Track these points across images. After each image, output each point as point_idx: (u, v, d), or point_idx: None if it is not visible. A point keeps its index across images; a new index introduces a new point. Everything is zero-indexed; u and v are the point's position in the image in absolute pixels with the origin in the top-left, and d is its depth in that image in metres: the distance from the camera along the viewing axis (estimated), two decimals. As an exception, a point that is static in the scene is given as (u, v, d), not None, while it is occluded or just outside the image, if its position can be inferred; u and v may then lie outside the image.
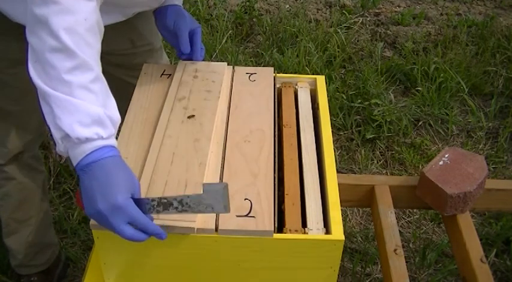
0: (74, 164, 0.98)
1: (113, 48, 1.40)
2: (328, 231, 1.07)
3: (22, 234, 1.64)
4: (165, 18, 1.36)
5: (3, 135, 1.45)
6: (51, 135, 0.99)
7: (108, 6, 1.17)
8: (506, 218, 2.05)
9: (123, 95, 1.30)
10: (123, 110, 1.19)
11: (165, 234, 0.99)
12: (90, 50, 0.99)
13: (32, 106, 1.43)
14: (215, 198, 0.97)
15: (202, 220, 1.04)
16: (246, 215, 1.05)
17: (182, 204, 0.97)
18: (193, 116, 1.26)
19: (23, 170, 1.54)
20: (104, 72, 1.55)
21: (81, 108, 0.96)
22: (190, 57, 1.38)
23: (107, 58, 1.46)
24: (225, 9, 3.29)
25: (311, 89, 1.44)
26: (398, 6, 3.47)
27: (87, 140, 0.97)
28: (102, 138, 0.98)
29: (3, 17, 1.22)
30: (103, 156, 0.97)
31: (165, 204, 0.98)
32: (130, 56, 1.50)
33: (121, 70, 1.44)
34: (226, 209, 0.97)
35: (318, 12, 3.35)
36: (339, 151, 2.40)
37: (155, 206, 0.99)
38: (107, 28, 1.13)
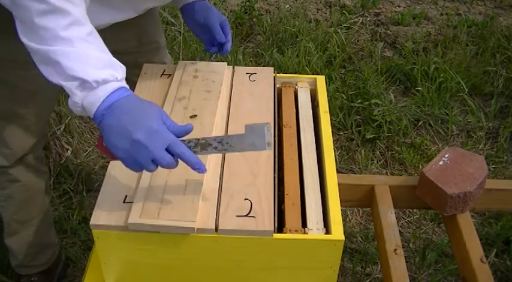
0: (94, 111, 0.97)
1: (120, 47, 1.41)
2: (328, 231, 1.07)
3: (23, 234, 1.64)
4: (194, 13, 1.39)
5: (9, 137, 1.44)
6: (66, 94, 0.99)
7: (122, 3, 1.17)
8: (506, 218, 2.05)
9: None
10: None
11: (205, 169, 0.99)
12: (78, 8, 1.00)
13: (39, 108, 1.43)
14: (258, 135, 0.98)
15: (202, 220, 1.04)
16: (246, 215, 1.05)
17: (222, 144, 0.99)
18: (195, 115, 1.26)
19: (27, 172, 1.53)
20: None
21: (90, 54, 0.97)
22: (218, 50, 1.42)
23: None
24: (225, 9, 3.29)
25: (311, 89, 1.44)
26: (398, 6, 3.47)
27: (104, 81, 0.97)
28: (116, 79, 0.99)
29: (13, 17, 1.22)
30: (123, 95, 0.98)
31: (204, 145, 0.98)
32: (136, 55, 1.50)
33: (127, 69, 1.43)
34: (270, 146, 0.98)
35: (318, 12, 3.35)
36: (339, 151, 2.40)
37: (192, 147, 0.98)
38: (115, 27, 1.14)
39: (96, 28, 1.26)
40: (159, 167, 0.98)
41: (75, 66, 0.95)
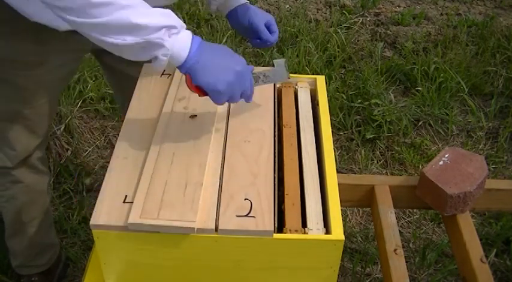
0: (185, 55, 1.05)
1: None
2: (328, 231, 1.07)
3: (25, 235, 1.64)
4: (238, 18, 1.43)
5: (14, 138, 1.44)
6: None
7: None
8: (506, 218, 2.05)
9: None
10: None
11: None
12: None
13: (44, 109, 1.43)
14: (283, 70, 1.29)
15: (202, 220, 1.04)
16: (246, 215, 1.05)
17: (265, 76, 1.25)
18: (195, 115, 1.26)
19: (29, 173, 1.53)
20: (116, 70, 1.57)
21: (156, 10, 1.03)
22: (263, 43, 1.46)
23: (119, 56, 1.48)
24: (225, 9, 3.29)
25: (311, 89, 1.44)
26: (398, 6, 3.47)
27: (182, 26, 1.06)
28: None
29: (21, 17, 1.23)
30: (199, 38, 1.09)
31: (255, 79, 1.22)
32: None
33: (133, 67, 1.44)
34: (288, 77, 1.31)
35: (318, 12, 3.35)
36: (339, 151, 2.40)
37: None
38: None
39: None
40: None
41: (153, 19, 1.01)
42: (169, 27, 1.02)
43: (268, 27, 1.44)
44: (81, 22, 1.00)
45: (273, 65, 1.30)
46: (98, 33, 1.01)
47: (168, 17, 1.04)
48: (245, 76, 1.13)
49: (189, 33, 1.07)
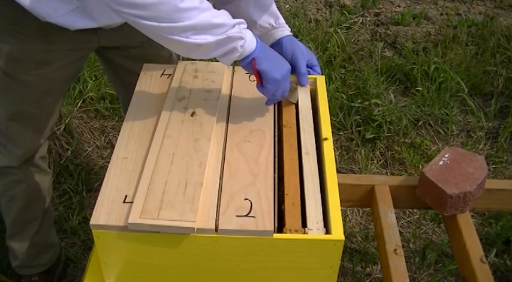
0: (254, 46, 1.18)
1: (132, 42, 1.42)
2: (328, 231, 1.06)
3: (26, 235, 1.65)
4: (283, 51, 1.41)
5: (20, 138, 1.45)
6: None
7: None
8: (506, 218, 2.05)
9: None
10: None
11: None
12: None
13: (50, 108, 1.44)
14: (294, 90, 1.37)
15: (202, 220, 1.04)
16: (246, 215, 1.05)
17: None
18: (194, 113, 1.26)
19: (32, 173, 1.54)
20: (120, 67, 1.57)
21: (221, 10, 1.15)
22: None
23: (124, 53, 1.48)
24: (225, 9, 3.29)
25: (311, 89, 1.44)
26: (398, 6, 3.47)
27: (246, 24, 1.18)
28: None
29: (31, 17, 1.23)
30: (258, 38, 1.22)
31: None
32: (145, 48, 1.50)
33: (137, 64, 1.44)
34: (296, 100, 1.38)
35: (318, 12, 3.35)
36: (339, 151, 2.40)
37: None
38: (126, 23, 1.15)
39: (112, 25, 1.28)
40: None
41: (227, 18, 1.13)
42: (239, 23, 1.15)
43: (311, 66, 1.43)
44: (165, 27, 1.07)
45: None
46: (181, 36, 1.08)
47: (230, 16, 1.15)
48: (289, 76, 1.27)
49: (250, 30, 1.19)
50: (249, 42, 1.17)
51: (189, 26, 1.07)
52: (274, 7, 1.43)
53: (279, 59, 1.25)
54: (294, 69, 1.40)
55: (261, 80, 1.22)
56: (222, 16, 1.13)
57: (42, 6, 1.21)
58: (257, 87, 1.25)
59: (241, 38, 1.14)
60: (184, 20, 1.06)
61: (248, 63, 1.20)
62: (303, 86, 1.40)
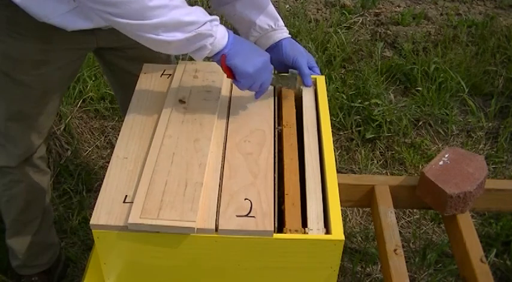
0: (225, 41, 1.18)
1: (128, 42, 1.42)
2: (328, 231, 1.06)
3: (26, 235, 1.65)
4: (282, 53, 1.43)
5: (18, 138, 1.45)
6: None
7: None
8: (506, 218, 2.05)
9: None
10: None
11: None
12: None
13: (49, 108, 1.44)
14: (294, 79, 1.37)
15: (202, 220, 1.04)
16: (246, 215, 1.05)
17: (278, 78, 1.35)
18: (184, 102, 1.30)
19: (31, 172, 1.54)
20: (117, 68, 1.58)
21: (194, 7, 1.15)
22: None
23: (121, 53, 1.48)
24: (225, 9, 3.29)
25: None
26: (398, 6, 3.47)
27: (218, 21, 1.18)
28: None
29: (29, 17, 1.23)
30: (231, 31, 1.21)
31: (274, 79, 1.31)
32: (143, 49, 1.50)
33: (135, 64, 1.44)
34: (296, 87, 1.39)
35: (318, 12, 3.35)
36: (339, 151, 2.40)
37: None
38: None
39: (109, 26, 1.28)
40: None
41: (199, 15, 1.13)
42: (212, 20, 1.15)
43: (310, 68, 1.42)
44: (135, 24, 1.08)
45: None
46: (152, 34, 1.09)
47: (205, 12, 1.16)
48: (269, 67, 1.25)
49: (223, 26, 1.19)
50: (219, 39, 1.17)
51: (158, 24, 1.08)
52: (272, 8, 1.42)
53: (254, 51, 1.24)
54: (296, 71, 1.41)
55: (234, 74, 1.22)
56: (194, 13, 1.13)
57: (40, 6, 1.21)
58: (233, 82, 1.25)
59: (211, 36, 1.15)
60: (153, 18, 1.07)
61: (219, 60, 1.21)
62: (308, 86, 1.40)
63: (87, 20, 1.27)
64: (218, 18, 1.18)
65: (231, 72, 1.22)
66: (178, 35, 1.11)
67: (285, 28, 1.44)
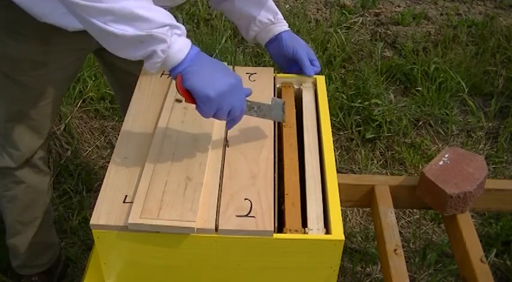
0: (182, 57, 1.03)
1: None
2: (328, 231, 1.07)
3: (26, 235, 1.64)
4: (282, 46, 1.40)
5: (18, 139, 1.45)
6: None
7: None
8: (506, 218, 2.05)
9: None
10: None
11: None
12: None
13: (48, 109, 1.44)
14: (279, 109, 1.23)
15: (202, 220, 1.04)
16: (246, 215, 1.05)
17: (260, 109, 1.18)
18: (181, 101, 1.27)
19: (31, 173, 1.54)
20: (117, 68, 1.57)
21: (159, 8, 1.02)
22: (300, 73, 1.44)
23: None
24: (225, 9, 3.29)
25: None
26: (398, 6, 3.47)
27: (183, 32, 1.05)
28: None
29: (30, 17, 1.23)
30: (198, 49, 1.07)
31: (249, 107, 1.15)
32: None
33: (134, 65, 1.44)
34: (283, 120, 1.25)
35: (318, 12, 3.35)
36: (339, 151, 2.40)
37: None
38: None
39: None
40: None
41: (159, 15, 1.00)
42: (173, 27, 1.02)
43: (310, 61, 1.42)
44: (83, 5, 0.97)
45: (271, 102, 1.24)
46: (99, 21, 0.98)
47: (173, 18, 1.03)
48: (238, 92, 1.08)
49: (189, 40, 1.06)
50: (175, 51, 1.02)
51: (107, 10, 0.97)
52: (270, 2, 1.43)
53: (220, 72, 1.07)
54: (295, 64, 1.42)
55: (193, 99, 1.06)
56: (153, 11, 1.01)
57: (40, 6, 1.21)
58: (196, 108, 1.08)
59: (164, 42, 1.00)
60: (104, 1, 0.96)
61: (175, 78, 1.05)
62: (310, 76, 1.41)
63: None
64: (185, 29, 1.05)
65: (189, 95, 1.05)
66: (128, 30, 0.98)
67: (284, 21, 1.44)
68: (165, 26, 1.00)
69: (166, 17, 1.02)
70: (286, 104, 1.37)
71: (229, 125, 1.13)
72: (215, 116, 1.07)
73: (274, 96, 1.37)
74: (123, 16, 0.98)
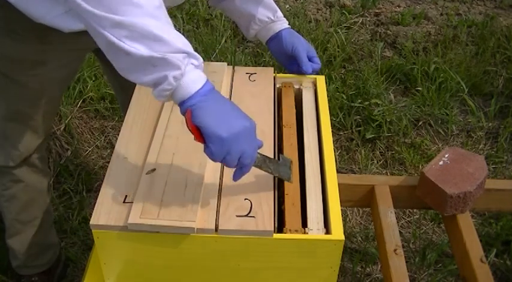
0: (196, 89, 0.95)
1: None
2: (328, 231, 1.07)
3: (26, 235, 1.64)
4: (282, 43, 1.40)
5: (17, 138, 1.45)
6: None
7: None
8: (506, 218, 2.05)
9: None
10: None
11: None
12: None
13: (46, 108, 1.44)
14: (286, 167, 1.14)
15: (202, 220, 1.04)
16: (246, 215, 1.05)
17: (266, 166, 1.09)
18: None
19: (30, 172, 1.54)
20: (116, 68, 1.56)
21: (181, 35, 0.96)
22: (300, 72, 1.43)
23: None
24: (225, 9, 3.29)
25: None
26: (398, 6, 3.47)
27: (200, 65, 0.98)
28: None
29: (26, 17, 1.23)
30: (213, 86, 0.99)
31: (258, 158, 1.06)
32: None
33: None
34: (290, 180, 1.14)
35: (318, 12, 3.35)
36: (339, 151, 2.39)
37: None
38: None
39: None
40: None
41: (178, 40, 0.94)
42: (191, 56, 0.96)
43: (310, 58, 1.42)
44: (98, 15, 0.91)
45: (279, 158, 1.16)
46: (112, 34, 0.92)
47: (191, 48, 0.97)
48: (251, 138, 1.00)
49: (205, 75, 0.99)
50: (188, 81, 0.95)
51: (123, 24, 0.91)
52: (270, 0, 1.43)
53: (233, 112, 0.99)
54: (295, 60, 1.42)
55: (203, 138, 0.97)
56: (173, 35, 0.94)
57: (35, 7, 1.21)
58: (204, 149, 0.99)
59: (177, 68, 0.93)
60: (121, 14, 0.90)
61: (184, 113, 0.97)
62: (308, 74, 1.41)
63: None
64: (202, 63, 0.99)
65: (199, 133, 0.97)
66: (141, 49, 0.91)
67: (285, 19, 1.45)
68: (183, 52, 0.94)
69: (185, 44, 0.96)
70: (286, 104, 1.38)
71: (236, 175, 1.03)
72: (224, 160, 0.98)
73: (274, 96, 1.37)
74: (139, 33, 0.92)
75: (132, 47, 0.92)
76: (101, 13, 0.91)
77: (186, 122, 0.96)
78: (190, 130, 0.97)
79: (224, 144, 0.95)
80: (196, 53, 0.97)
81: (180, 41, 0.95)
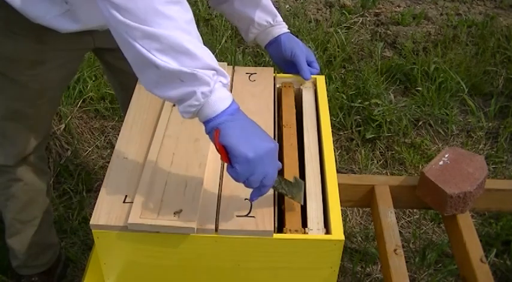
0: (223, 107, 0.94)
1: None
2: (328, 231, 1.07)
3: (26, 234, 1.65)
4: (281, 48, 1.40)
5: (16, 137, 1.45)
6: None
7: None
8: (506, 218, 2.05)
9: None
10: None
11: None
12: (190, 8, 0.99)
13: (45, 108, 1.44)
14: (300, 189, 1.11)
15: (202, 220, 1.04)
16: (246, 215, 1.05)
17: (281, 186, 1.07)
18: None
19: (29, 172, 1.54)
20: (118, 69, 1.57)
21: (210, 53, 0.95)
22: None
23: (120, 54, 1.48)
24: (225, 9, 3.28)
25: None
26: (398, 6, 3.47)
27: (227, 84, 0.97)
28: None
29: (25, 18, 1.23)
30: (239, 105, 0.98)
31: (277, 181, 1.05)
32: None
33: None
34: (302, 201, 1.11)
35: (318, 12, 3.35)
36: (339, 151, 2.40)
37: None
38: None
39: (104, 27, 1.26)
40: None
41: (209, 57, 0.93)
42: (220, 73, 0.95)
43: (309, 63, 1.42)
44: (130, 25, 0.90)
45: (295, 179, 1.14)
46: (143, 46, 0.90)
47: (220, 66, 0.96)
48: (274, 159, 0.99)
49: (231, 94, 0.98)
50: (216, 98, 0.93)
51: (155, 36, 0.89)
52: (270, 4, 1.43)
53: (260, 135, 0.98)
54: (294, 66, 1.42)
55: (228, 158, 0.96)
56: (203, 51, 0.93)
57: (32, 8, 1.21)
58: (227, 169, 0.98)
59: (207, 84, 0.92)
60: (154, 25, 0.89)
61: (211, 131, 0.95)
62: (307, 80, 1.41)
63: (80, 23, 1.25)
64: (229, 80, 0.98)
65: (225, 154, 0.95)
66: (171, 63, 0.90)
67: (284, 23, 1.45)
68: (212, 69, 0.93)
69: (214, 60, 0.95)
70: (286, 104, 1.37)
71: (255, 195, 1.01)
72: (248, 182, 0.97)
73: (274, 96, 1.37)
74: (171, 46, 0.90)
75: (161, 60, 0.90)
76: (133, 24, 0.90)
77: (214, 141, 0.95)
78: (217, 149, 0.95)
79: (250, 165, 0.94)
80: (224, 71, 0.96)
81: (210, 57, 0.94)
